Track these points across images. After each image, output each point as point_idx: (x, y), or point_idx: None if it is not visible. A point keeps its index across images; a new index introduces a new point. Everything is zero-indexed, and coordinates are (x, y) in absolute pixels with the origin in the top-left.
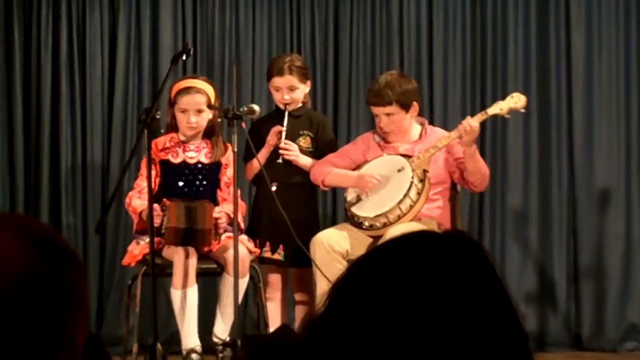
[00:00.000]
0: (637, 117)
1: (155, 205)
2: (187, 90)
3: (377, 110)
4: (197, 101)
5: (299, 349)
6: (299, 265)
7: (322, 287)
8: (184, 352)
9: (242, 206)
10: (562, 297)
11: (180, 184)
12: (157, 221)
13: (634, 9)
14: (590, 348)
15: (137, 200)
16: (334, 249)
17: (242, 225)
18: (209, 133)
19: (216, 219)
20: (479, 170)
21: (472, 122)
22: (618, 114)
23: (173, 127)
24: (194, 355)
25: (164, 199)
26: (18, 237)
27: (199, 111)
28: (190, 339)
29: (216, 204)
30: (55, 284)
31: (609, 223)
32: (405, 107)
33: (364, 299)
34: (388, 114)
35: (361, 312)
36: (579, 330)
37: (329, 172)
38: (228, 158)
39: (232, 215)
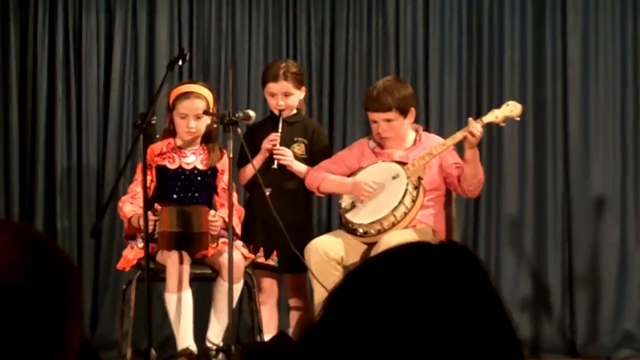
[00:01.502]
0: (633, 125)
1: (149, 213)
2: (186, 95)
3: (375, 116)
4: (197, 106)
5: (294, 355)
6: (293, 271)
7: (318, 294)
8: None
9: (241, 211)
10: (557, 303)
11: (176, 189)
12: (149, 228)
13: (630, 18)
14: (585, 355)
15: (129, 206)
16: (328, 255)
17: (238, 231)
18: (206, 139)
19: (212, 222)
20: (477, 175)
21: (478, 126)
22: (614, 122)
23: (170, 133)
24: (188, 352)
25: (156, 204)
26: (13, 243)
27: (198, 116)
28: (186, 341)
29: (213, 209)
30: (50, 289)
31: (604, 230)
32: (404, 113)
33: (359, 310)
34: (387, 120)
35: (356, 323)
36: (574, 337)
37: (324, 178)
38: (224, 164)
39: (227, 220)
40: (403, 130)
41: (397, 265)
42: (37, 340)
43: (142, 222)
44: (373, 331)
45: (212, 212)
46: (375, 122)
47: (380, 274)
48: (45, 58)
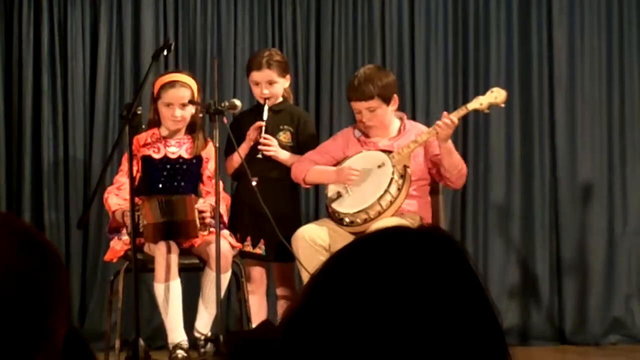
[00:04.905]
0: (619, 113)
1: (127, 212)
2: (172, 84)
3: (358, 105)
4: (182, 95)
5: (279, 342)
6: (280, 259)
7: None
8: (170, 347)
9: (227, 199)
10: (545, 291)
11: (162, 179)
12: (129, 223)
13: (616, 6)
14: (573, 342)
15: (114, 199)
16: (315, 242)
17: (225, 219)
18: (191, 128)
19: (201, 211)
20: (455, 166)
21: (452, 117)
22: (600, 110)
23: (155, 123)
24: (179, 352)
25: (136, 199)
26: None
27: (184, 105)
28: (176, 333)
29: (199, 197)
30: (36, 280)
31: (592, 218)
32: (387, 100)
33: (339, 294)
34: (370, 108)
35: (336, 308)
36: (562, 324)
37: (309, 169)
38: (208, 152)
39: (218, 210)
40: (387, 118)
41: (377, 249)
42: (23, 330)
43: (126, 218)
44: (353, 315)
45: (200, 200)
46: (359, 111)
47: (360, 258)
48: (31, 51)
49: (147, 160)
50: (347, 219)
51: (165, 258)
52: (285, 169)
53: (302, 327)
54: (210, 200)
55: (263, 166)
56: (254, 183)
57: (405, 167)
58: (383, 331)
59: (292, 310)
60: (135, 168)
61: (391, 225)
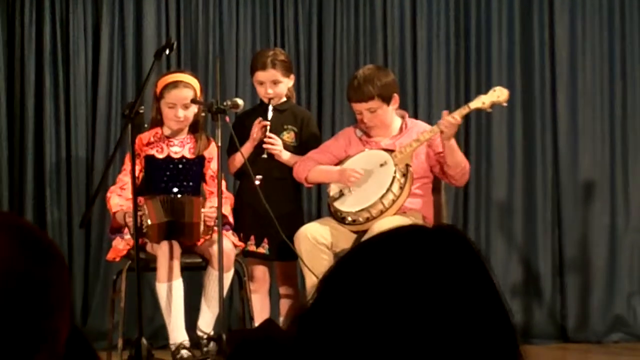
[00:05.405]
0: (621, 110)
1: (130, 212)
2: (175, 84)
3: (359, 106)
4: (185, 95)
5: (285, 343)
6: (283, 258)
7: (310, 279)
8: (172, 347)
9: (231, 198)
10: (548, 289)
11: (165, 178)
12: (131, 224)
13: (617, 3)
14: (576, 340)
15: (116, 199)
16: (318, 240)
17: (231, 219)
18: (193, 128)
19: (208, 216)
20: (459, 164)
21: (455, 116)
22: (602, 107)
23: (157, 122)
24: (184, 352)
25: (139, 198)
26: (0, 233)
27: (186, 105)
28: (178, 333)
29: (203, 197)
30: (38, 280)
31: (594, 215)
32: (387, 100)
33: (354, 293)
34: (370, 109)
35: (351, 306)
36: (565, 322)
37: (311, 169)
38: (211, 152)
39: (220, 210)
40: (388, 118)
41: (391, 248)
42: (25, 331)
43: (127, 219)
44: (367, 314)
45: (207, 204)
46: (360, 112)
47: (374, 257)
48: (33, 50)
49: (150, 159)
50: (349, 218)
51: (167, 258)
52: (287, 169)
53: (314, 326)
54: (214, 202)
55: (266, 165)
56: (257, 182)
57: (407, 165)
58: (396, 330)
59: (303, 308)
60: (137, 167)
61: (404, 224)
